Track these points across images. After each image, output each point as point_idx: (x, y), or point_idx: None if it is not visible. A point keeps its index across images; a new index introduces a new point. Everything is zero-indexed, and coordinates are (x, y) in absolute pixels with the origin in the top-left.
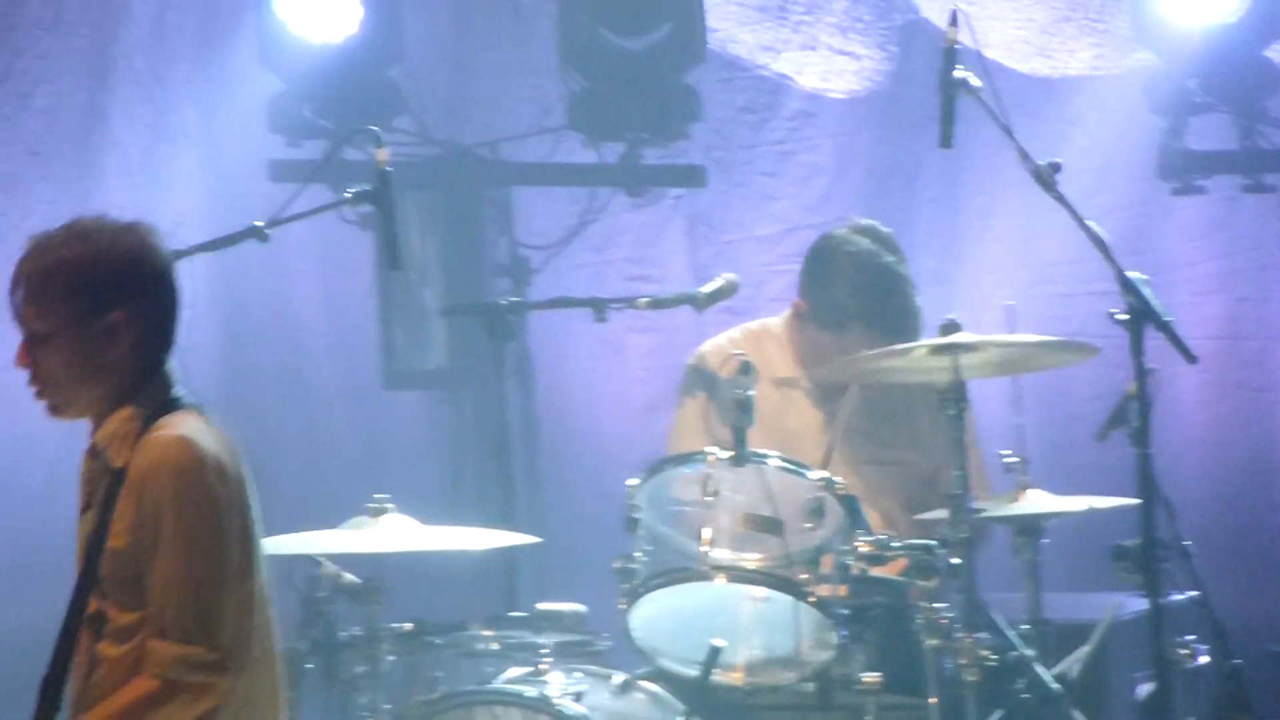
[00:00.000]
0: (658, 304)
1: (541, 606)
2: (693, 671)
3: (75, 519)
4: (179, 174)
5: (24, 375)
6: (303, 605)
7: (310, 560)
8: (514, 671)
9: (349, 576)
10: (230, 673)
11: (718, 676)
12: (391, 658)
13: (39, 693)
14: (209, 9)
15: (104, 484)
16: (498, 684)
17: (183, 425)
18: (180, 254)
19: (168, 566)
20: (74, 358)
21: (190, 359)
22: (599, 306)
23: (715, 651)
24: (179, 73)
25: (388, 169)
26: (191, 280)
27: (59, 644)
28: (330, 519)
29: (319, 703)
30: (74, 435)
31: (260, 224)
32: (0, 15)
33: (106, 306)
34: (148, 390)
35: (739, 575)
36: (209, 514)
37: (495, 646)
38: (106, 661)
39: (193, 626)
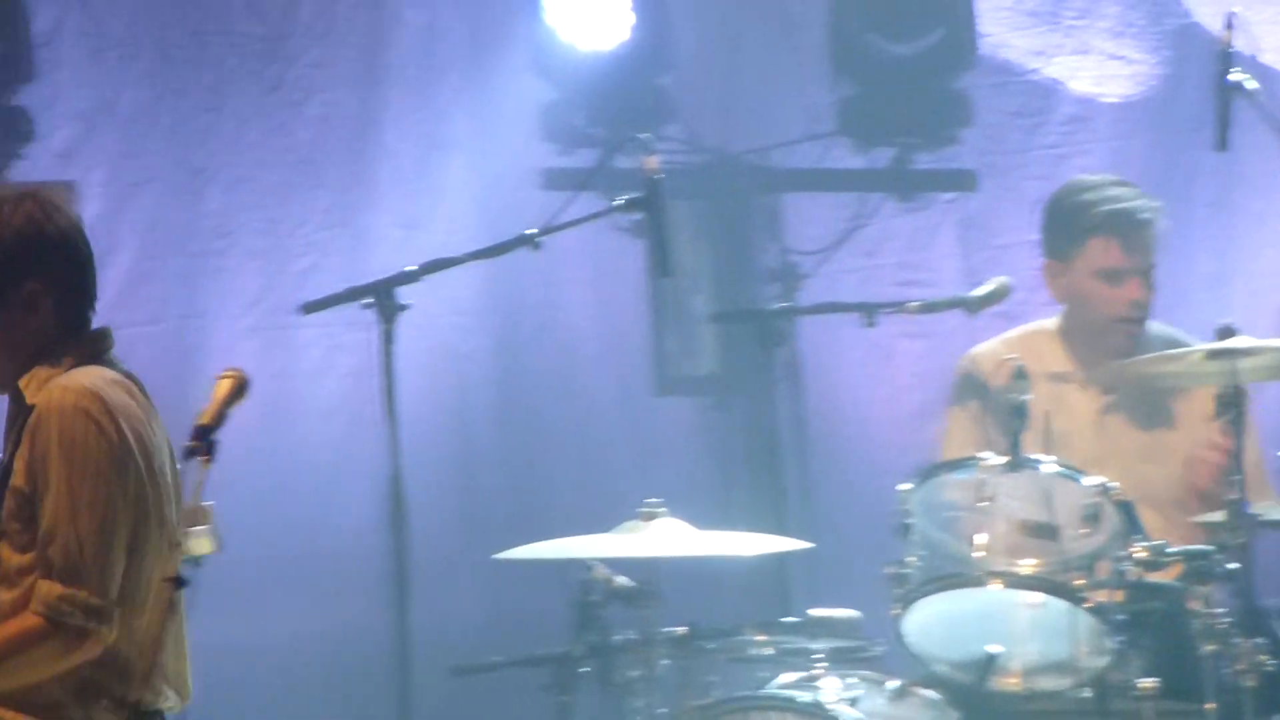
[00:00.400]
0: (929, 308)
1: (815, 612)
2: (967, 677)
3: None
4: (451, 182)
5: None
6: (577, 609)
7: (583, 565)
8: (787, 677)
9: (622, 580)
10: (110, 624)
11: (993, 682)
12: (665, 662)
13: None
14: (480, 18)
15: (17, 426)
16: (771, 689)
17: (90, 376)
18: (452, 262)
19: (55, 507)
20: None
21: (465, 365)
22: (869, 311)
23: (991, 658)
24: (450, 81)
25: (658, 176)
26: (464, 288)
27: None
28: (603, 523)
29: (594, 706)
30: (345, 449)
31: (532, 232)
32: (273, 25)
33: (19, 278)
34: (74, 344)
35: (1014, 581)
36: (100, 461)
37: (769, 651)
38: (1, 604)
39: (79, 568)
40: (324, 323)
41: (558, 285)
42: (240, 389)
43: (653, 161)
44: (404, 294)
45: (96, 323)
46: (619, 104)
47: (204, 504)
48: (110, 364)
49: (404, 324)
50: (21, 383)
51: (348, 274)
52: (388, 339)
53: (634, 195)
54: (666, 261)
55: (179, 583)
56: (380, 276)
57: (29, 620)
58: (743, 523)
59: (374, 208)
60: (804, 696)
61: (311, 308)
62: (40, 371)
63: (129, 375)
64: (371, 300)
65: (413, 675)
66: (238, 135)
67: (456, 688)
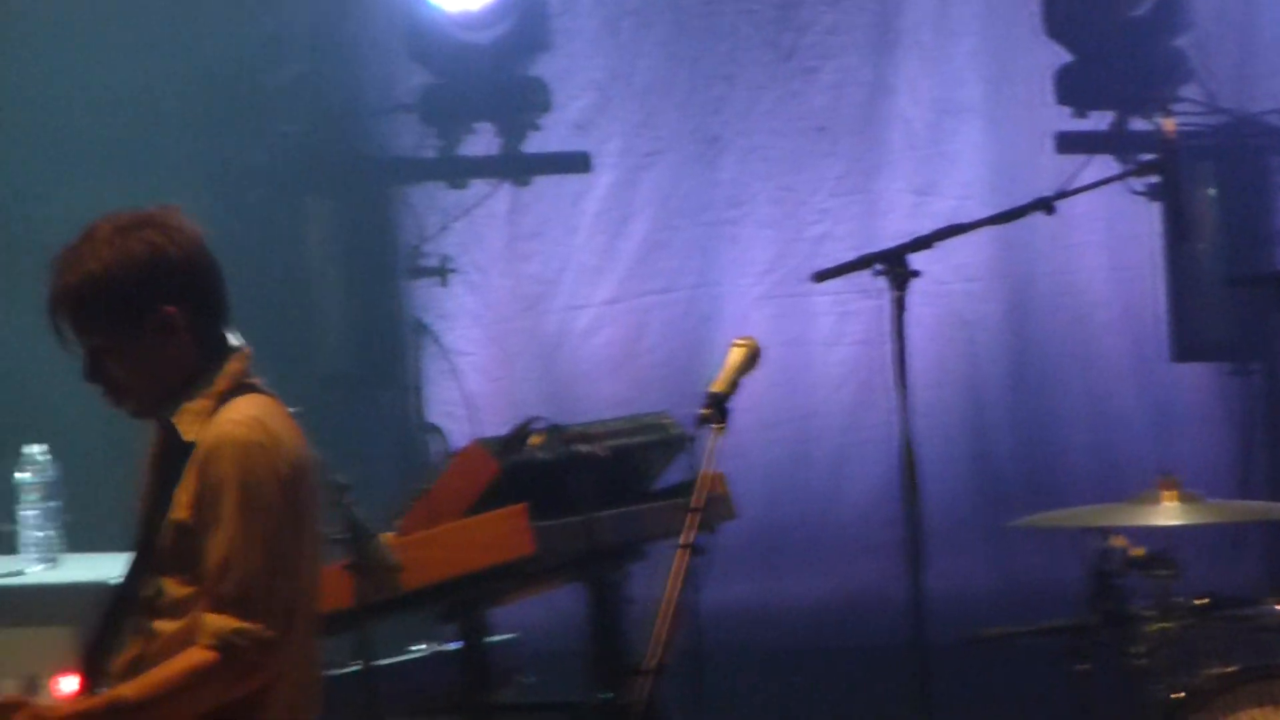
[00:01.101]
0: None
1: None
2: None
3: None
4: (964, 148)
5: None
6: (1093, 579)
7: (1100, 533)
8: None
9: (1139, 549)
10: (281, 652)
11: None
12: (1182, 630)
13: (83, 658)
14: None
15: (170, 458)
16: None
17: (255, 407)
18: (964, 228)
19: (229, 541)
20: (137, 363)
21: (976, 332)
22: None
23: None
24: (964, 45)
25: (1175, 138)
26: (976, 253)
27: (107, 614)
28: (1117, 491)
29: (1110, 677)
30: (855, 417)
31: (1046, 197)
32: None
33: (150, 307)
34: (218, 368)
35: None
36: (274, 494)
37: None
38: (161, 636)
39: (249, 602)
40: (835, 290)
41: (1071, 250)
42: (752, 357)
43: (1170, 123)
44: (915, 260)
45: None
46: (1134, 66)
47: (717, 472)
48: (259, 388)
49: (915, 291)
50: (174, 417)
51: (860, 241)
52: (899, 306)
53: (1150, 158)
54: (1184, 225)
55: (695, 550)
56: (892, 243)
57: (201, 654)
58: (1261, 491)
59: (886, 174)
60: None
61: (823, 276)
62: (194, 404)
63: (273, 395)
64: (883, 267)
65: (927, 643)
66: (751, 104)
67: (971, 657)
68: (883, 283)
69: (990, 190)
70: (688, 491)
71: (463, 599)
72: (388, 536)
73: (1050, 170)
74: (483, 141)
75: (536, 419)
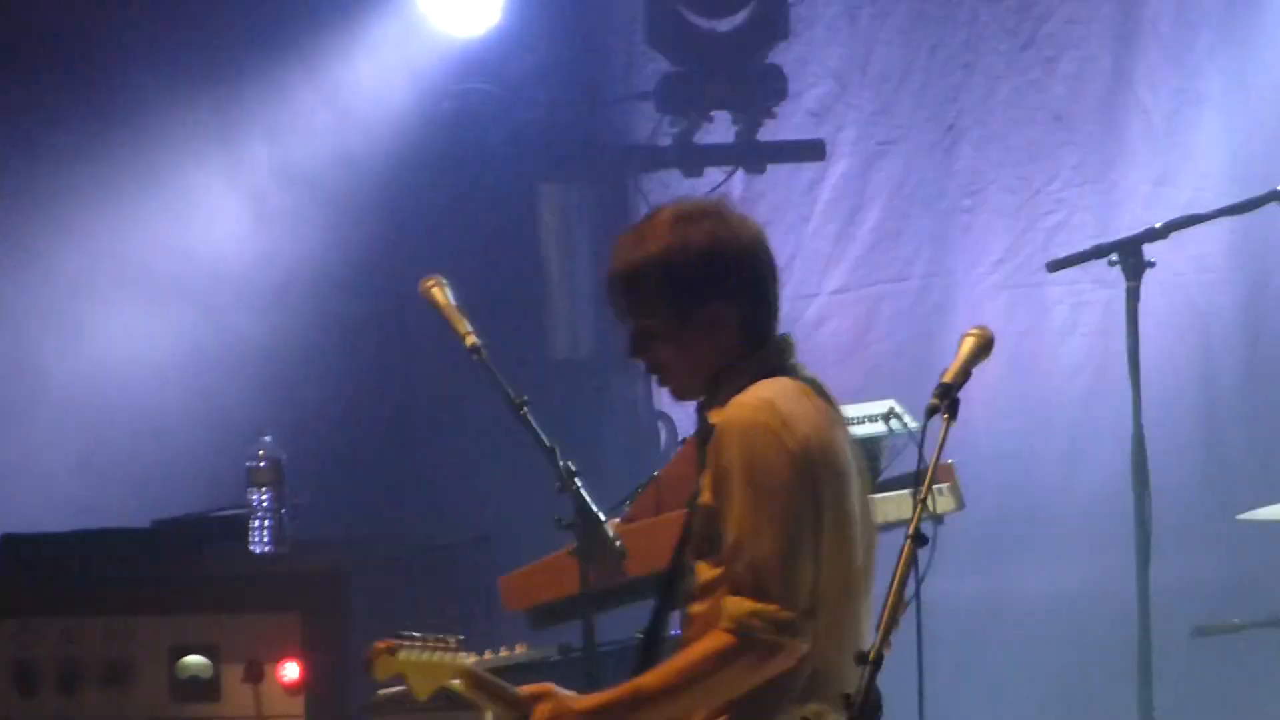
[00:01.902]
0: None
1: None
2: None
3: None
4: (1202, 139)
5: None
6: None
7: None
8: None
9: None
10: (803, 635)
11: None
12: None
13: (640, 649)
14: None
15: (703, 445)
16: None
17: (770, 389)
18: (1200, 218)
19: (739, 523)
20: (685, 349)
21: (1210, 323)
22: None
23: None
24: (1205, 37)
25: None
26: (1211, 244)
27: (658, 604)
28: None
29: None
30: (1087, 409)
31: None
32: None
33: (703, 299)
34: (755, 358)
35: None
36: (781, 474)
37: None
38: (697, 618)
39: (767, 583)
40: (1070, 280)
41: None
42: (985, 347)
43: None
44: (1150, 251)
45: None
46: None
47: (946, 462)
48: (791, 371)
49: (1150, 281)
50: (709, 404)
51: (1096, 231)
52: (1133, 296)
53: None
54: None
55: (920, 540)
56: (1128, 233)
57: (720, 638)
58: None
59: (1124, 164)
60: None
61: (1057, 265)
62: (724, 392)
63: (811, 380)
64: (1118, 257)
65: (1154, 635)
66: (989, 92)
67: (1197, 648)
68: (1118, 273)
69: (1227, 182)
70: (916, 481)
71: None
72: (615, 523)
73: None
74: (719, 129)
75: None
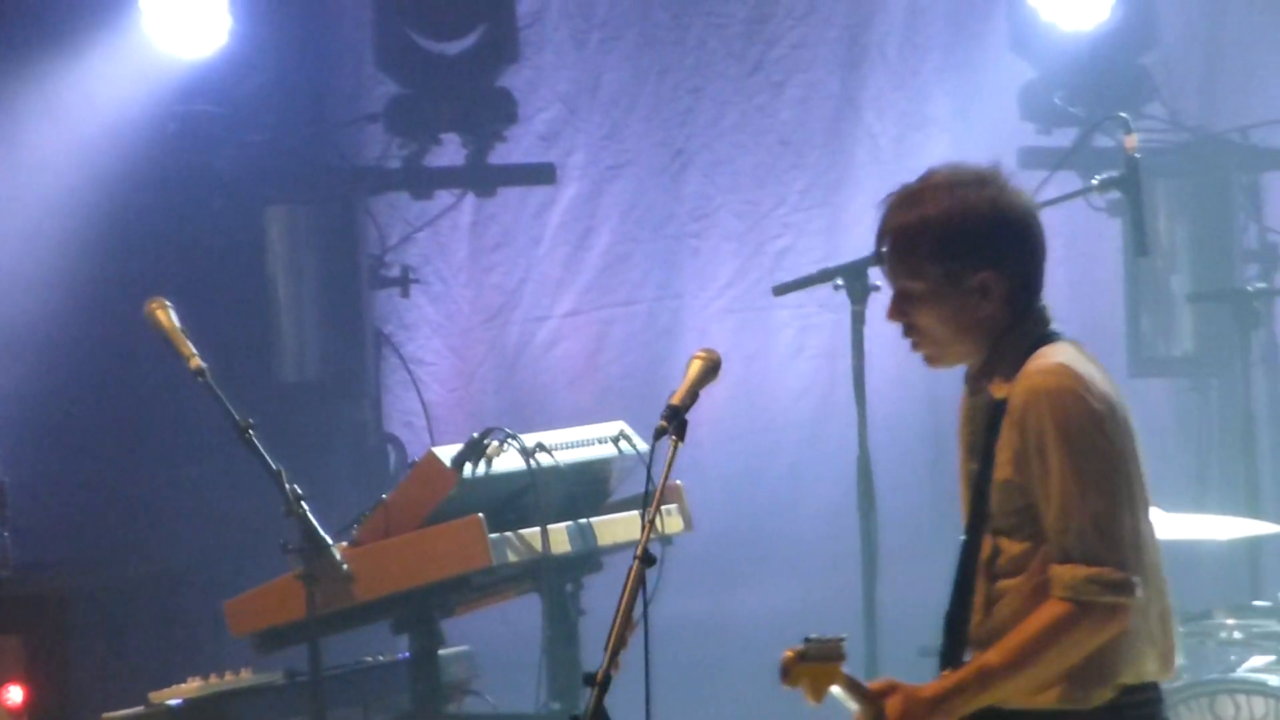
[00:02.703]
0: None
1: None
2: None
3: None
4: (929, 162)
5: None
6: None
7: None
8: (1257, 660)
9: None
10: (1136, 593)
11: None
12: None
13: (944, 631)
14: None
15: (984, 419)
16: (1241, 673)
17: (1059, 353)
18: None
19: (1062, 490)
20: (948, 315)
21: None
22: None
23: None
24: (931, 61)
25: (1137, 155)
26: None
27: (958, 583)
28: None
29: None
30: (814, 430)
31: None
32: (754, 7)
33: (976, 266)
34: (1021, 329)
35: None
36: (1095, 435)
37: (1239, 635)
38: (1008, 594)
39: (1097, 547)
40: (797, 303)
41: None
42: (713, 369)
43: (1132, 140)
44: (876, 275)
45: None
46: (1099, 83)
47: (675, 483)
48: (1061, 336)
49: (875, 304)
50: (979, 374)
51: (823, 255)
52: (859, 320)
53: (1112, 174)
54: (1144, 241)
55: (648, 560)
56: (853, 257)
57: (1057, 608)
58: (1216, 506)
59: (851, 188)
60: (1275, 680)
61: (783, 289)
62: (1005, 363)
63: (1074, 341)
64: (844, 282)
65: (880, 655)
66: (718, 117)
67: (924, 667)
68: (843, 296)
69: None
70: (645, 502)
71: (416, 610)
72: (342, 547)
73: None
74: (448, 152)
75: (495, 430)
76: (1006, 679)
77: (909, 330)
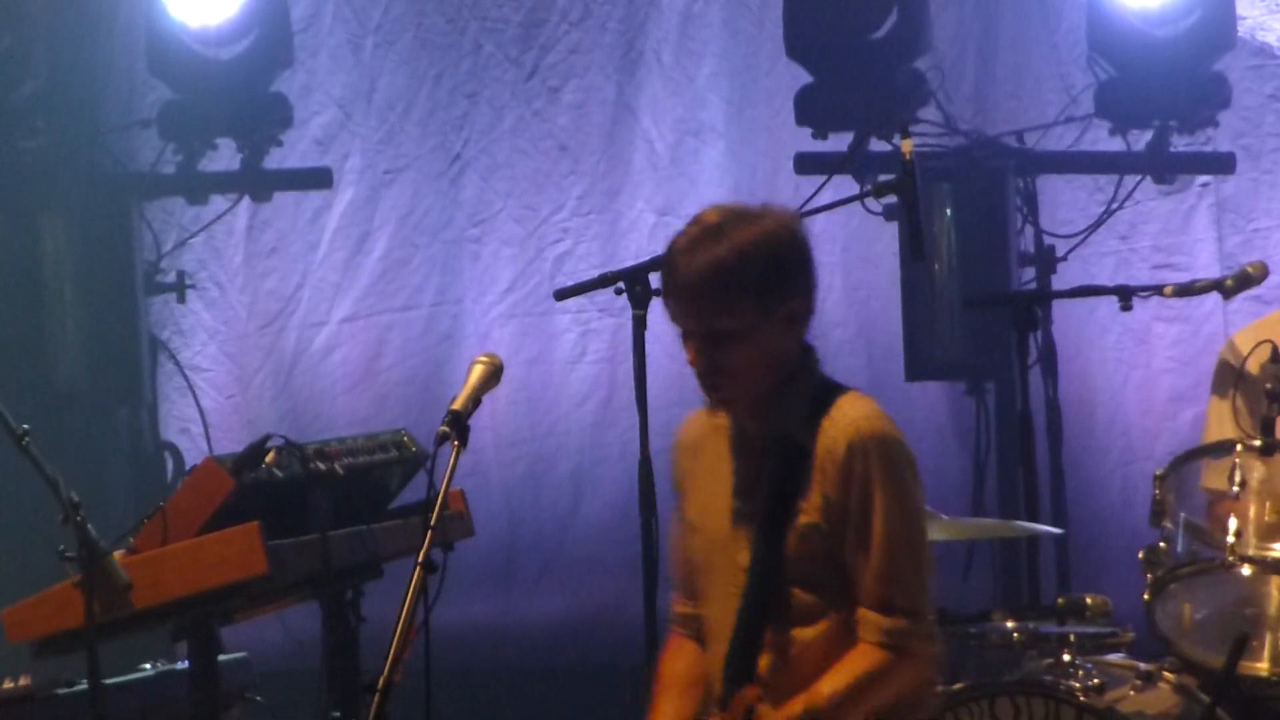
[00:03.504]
0: (1184, 292)
1: (1065, 598)
2: (1218, 663)
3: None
4: (706, 168)
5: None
6: None
7: None
8: (1037, 663)
9: None
10: (936, 641)
11: (1244, 667)
12: None
13: (725, 674)
14: (735, 3)
15: (775, 457)
16: (1021, 675)
17: (866, 402)
18: None
19: (887, 539)
20: (761, 350)
21: None
22: (1125, 295)
23: (1241, 642)
24: (705, 68)
25: (913, 160)
26: None
27: (744, 626)
28: None
29: None
30: (596, 435)
31: None
32: (529, 11)
33: (786, 295)
34: (807, 361)
35: (1268, 565)
36: (915, 486)
37: (1018, 637)
38: (798, 644)
39: (917, 597)
40: (577, 309)
41: None
42: (494, 374)
43: (908, 145)
44: (656, 280)
45: None
46: (873, 87)
47: (456, 489)
48: (842, 384)
49: (656, 309)
50: (787, 421)
51: (602, 259)
52: (640, 324)
53: (888, 179)
54: (919, 245)
55: (430, 567)
56: (633, 262)
57: (878, 654)
58: (993, 508)
59: (629, 194)
60: (1054, 682)
61: (564, 294)
62: (792, 400)
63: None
64: (624, 286)
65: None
66: (494, 122)
67: None
68: (624, 301)
69: None
70: (426, 509)
71: (194, 617)
72: (120, 554)
73: (789, 191)
74: (223, 157)
75: (273, 436)
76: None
77: (715, 374)
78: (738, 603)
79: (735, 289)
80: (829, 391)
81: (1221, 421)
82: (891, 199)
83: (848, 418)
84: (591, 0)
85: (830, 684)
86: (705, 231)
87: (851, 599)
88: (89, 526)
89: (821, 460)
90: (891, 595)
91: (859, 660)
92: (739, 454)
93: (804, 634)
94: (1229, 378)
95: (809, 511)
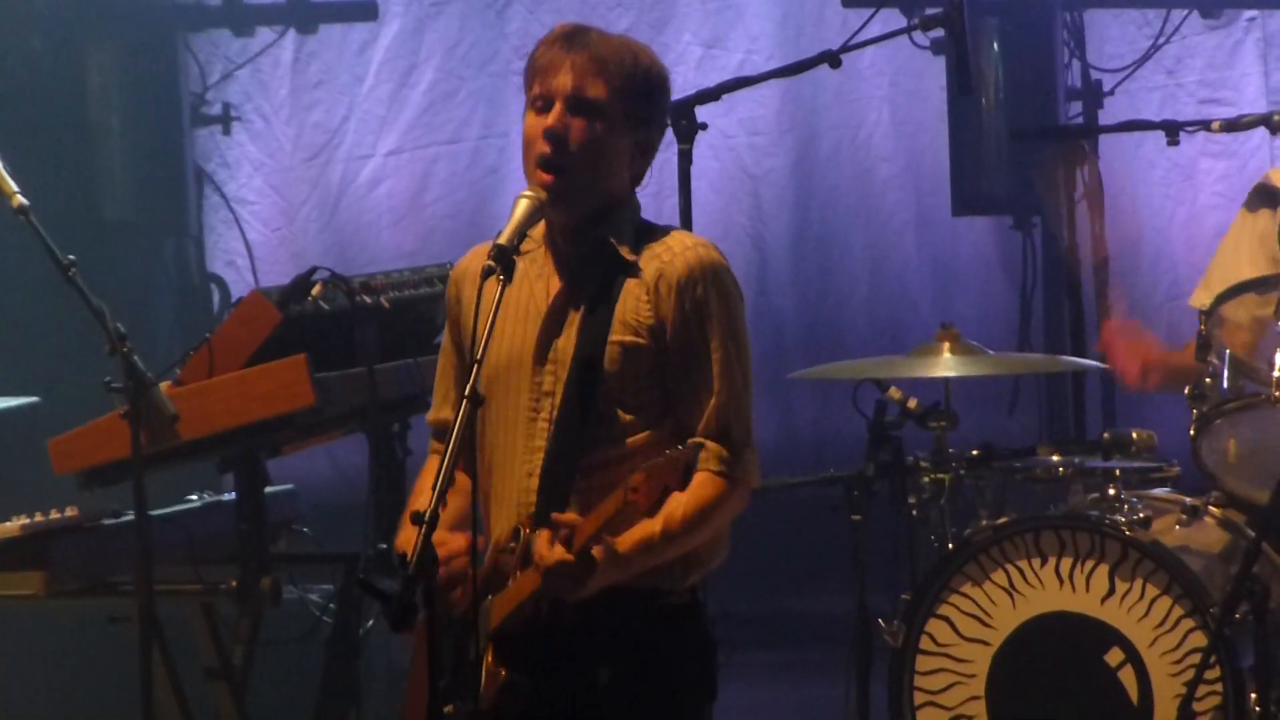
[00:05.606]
0: (1231, 127)
1: (1110, 432)
2: (1264, 497)
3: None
4: (752, 2)
5: None
6: (871, 429)
7: (878, 385)
8: (1083, 497)
9: (916, 401)
10: (759, 476)
11: None
12: (956, 481)
13: (540, 488)
14: None
15: (597, 276)
16: (1067, 509)
17: (695, 236)
18: (750, 80)
19: (724, 367)
20: (605, 143)
21: (761, 186)
22: (1172, 130)
23: None
24: None
25: None
26: (761, 107)
27: (561, 449)
28: (898, 345)
29: (887, 525)
30: None
31: (832, 50)
32: None
33: (650, 122)
34: (631, 201)
35: None
36: (742, 317)
37: (1064, 471)
38: (610, 463)
39: (748, 427)
40: None
41: (855, 104)
42: (539, 209)
43: None
44: (702, 113)
45: None
46: None
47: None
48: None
49: (702, 143)
50: (613, 237)
51: None
52: (685, 159)
53: (935, 11)
54: (967, 79)
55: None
56: (679, 96)
57: (717, 483)
58: (1039, 344)
59: (675, 26)
60: (1099, 516)
61: None
62: (622, 223)
63: None
64: (670, 120)
65: None
66: None
67: (751, 504)
68: (669, 135)
69: (777, 44)
70: (471, 343)
71: (241, 449)
72: (166, 386)
73: (837, 24)
74: None
75: (319, 269)
76: (666, 550)
77: (559, 141)
78: (543, 427)
79: (627, 73)
80: (654, 228)
81: (1237, 239)
82: (939, 32)
83: (683, 244)
84: None
85: (683, 508)
86: (628, 39)
87: (667, 421)
88: (135, 358)
89: (653, 281)
90: (730, 426)
91: (704, 488)
92: (549, 275)
93: (616, 453)
94: (1262, 201)
95: (635, 330)
